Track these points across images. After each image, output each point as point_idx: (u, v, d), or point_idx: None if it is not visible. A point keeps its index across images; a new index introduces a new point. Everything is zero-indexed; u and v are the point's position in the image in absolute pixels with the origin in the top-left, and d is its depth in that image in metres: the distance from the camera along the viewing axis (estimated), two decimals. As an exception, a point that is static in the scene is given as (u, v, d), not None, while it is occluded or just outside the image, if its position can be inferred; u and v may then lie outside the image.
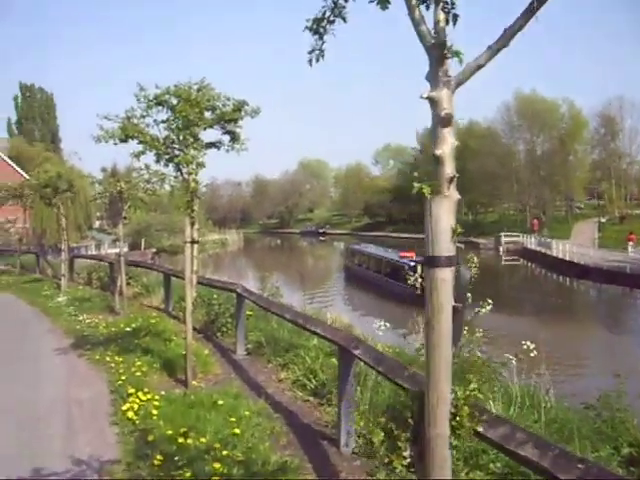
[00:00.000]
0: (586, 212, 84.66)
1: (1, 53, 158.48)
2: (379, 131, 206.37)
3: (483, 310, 5.47)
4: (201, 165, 8.17)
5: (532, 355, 6.66)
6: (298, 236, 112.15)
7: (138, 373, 8.18)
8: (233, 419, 6.26)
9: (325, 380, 7.63)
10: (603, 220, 66.92)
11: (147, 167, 10.24)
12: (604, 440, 5.83)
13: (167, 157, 7.91)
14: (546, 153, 77.46)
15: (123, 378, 7.98)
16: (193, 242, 8.18)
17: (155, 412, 6.54)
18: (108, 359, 9.33)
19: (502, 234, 65.74)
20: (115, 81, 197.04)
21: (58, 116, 79.01)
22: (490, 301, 5.52)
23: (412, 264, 31.19)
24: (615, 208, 75.71)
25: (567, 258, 45.03)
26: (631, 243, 46.01)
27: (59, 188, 18.19)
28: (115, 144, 7.99)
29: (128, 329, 11.26)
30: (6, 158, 55.18)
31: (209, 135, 8.57)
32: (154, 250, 53.13)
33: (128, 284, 15.82)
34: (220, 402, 6.75)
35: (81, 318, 13.59)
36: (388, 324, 8.76)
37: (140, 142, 7.96)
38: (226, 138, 8.59)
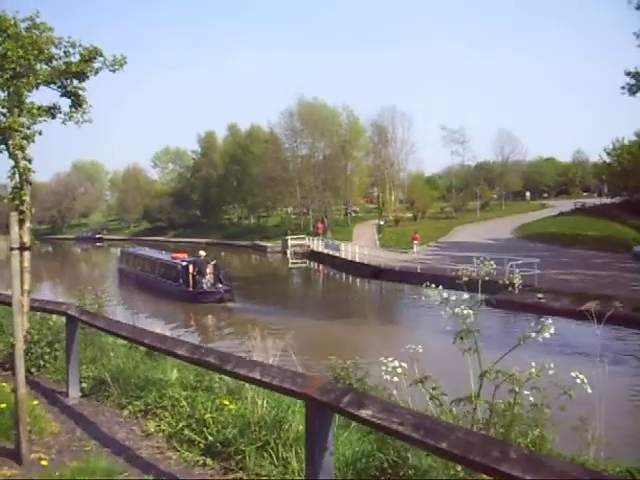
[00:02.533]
0: (362, 216, 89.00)
1: None
2: (157, 133, 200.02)
3: (546, 335, 3.83)
4: (30, 138, 5.65)
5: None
6: (72, 242, 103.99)
7: (-61, 449, 5.28)
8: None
9: (228, 434, 5.52)
10: (382, 223, 70.16)
11: None
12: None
13: (-16, 121, 5.32)
14: (327, 158, 79.70)
15: None
16: (23, 248, 5.62)
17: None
18: None
19: (288, 237, 66.22)
20: None
21: None
22: (550, 321, 3.91)
23: (184, 264, 34.31)
24: (390, 212, 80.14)
25: (357, 260, 46.01)
26: (416, 242, 48.47)
27: None
28: None
29: None
30: None
31: (40, 97, 6.07)
32: None
33: None
34: (96, 492, 4.37)
35: None
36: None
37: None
38: (65, 102, 6.15)
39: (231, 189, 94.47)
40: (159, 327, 19.23)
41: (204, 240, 79.78)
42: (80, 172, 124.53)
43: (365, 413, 3.39)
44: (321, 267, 52.86)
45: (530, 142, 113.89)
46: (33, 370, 8.70)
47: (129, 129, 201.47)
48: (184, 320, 28.82)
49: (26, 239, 5.63)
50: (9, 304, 9.40)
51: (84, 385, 7.77)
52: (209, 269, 33.70)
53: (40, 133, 5.60)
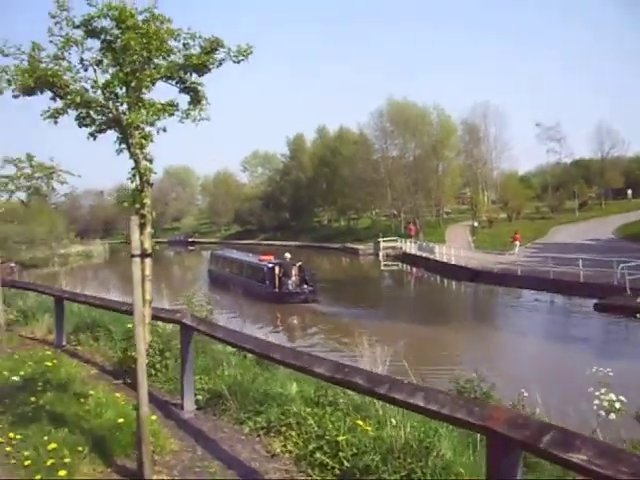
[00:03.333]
0: (454, 217, 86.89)
1: None
2: (246, 138, 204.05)
3: None
4: (150, 136, 5.26)
5: None
6: (165, 246, 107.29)
7: (62, 471, 4.86)
8: None
9: (368, 461, 4.91)
10: (476, 224, 68.28)
11: (30, 158, 7.35)
12: None
13: (105, 118, 4.98)
14: (418, 159, 78.31)
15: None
16: (144, 255, 5.24)
17: None
18: (-4, 436, 6.00)
19: (380, 239, 65.56)
20: None
21: None
22: None
23: (270, 266, 35.65)
24: (483, 212, 77.81)
25: (453, 262, 44.87)
26: (517, 242, 46.67)
27: None
28: (15, 96, 4.92)
29: (16, 378, 7.86)
30: None
31: (156, 93, 5.68)
32: (11, 264, 47.54)
33: (0, 311, 12.08)
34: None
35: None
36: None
37: (58, 95, 4.95)
38: (182, 99, 5.72)
39: (320, 191, 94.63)
40: (252, 328, 19.37)
41: (294, 243, 79.93)
42: (172, 177, 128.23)
43: (578, 458, 2.69)
44: (414, 269, 51.91)
45: (632, 136, 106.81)
46: (145, 379, 8.44)
47: (217, 134, 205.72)
48: (270, 320, 29.01)
49: (147, 245, 5.22)
50: (118, 310, 9.31)
51: (198, 397, 7.39)
52: (294, 271, 35.10)
53: (164, 130, 5.22)
